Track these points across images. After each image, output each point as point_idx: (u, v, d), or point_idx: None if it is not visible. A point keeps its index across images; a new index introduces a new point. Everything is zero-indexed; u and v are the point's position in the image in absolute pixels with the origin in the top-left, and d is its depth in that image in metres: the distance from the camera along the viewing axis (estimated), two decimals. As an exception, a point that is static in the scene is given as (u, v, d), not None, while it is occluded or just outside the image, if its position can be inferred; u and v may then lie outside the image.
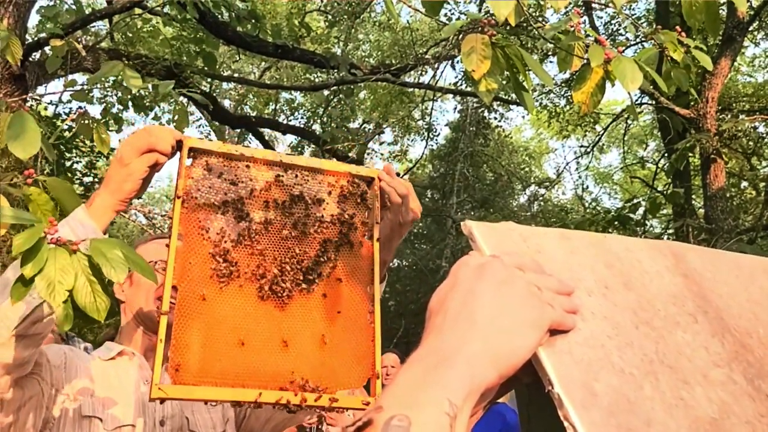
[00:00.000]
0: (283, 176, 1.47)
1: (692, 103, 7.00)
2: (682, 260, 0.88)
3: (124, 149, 1.35)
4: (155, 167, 1.37)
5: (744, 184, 9.81)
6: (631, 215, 6.54)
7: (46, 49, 6.07)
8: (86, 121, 1.66)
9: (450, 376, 0.57)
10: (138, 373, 1.63)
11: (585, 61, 1.44)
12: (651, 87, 6.88)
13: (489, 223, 0.77)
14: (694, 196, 9.37)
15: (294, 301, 1.40)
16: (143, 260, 1.06)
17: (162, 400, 1.27)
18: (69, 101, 8.95)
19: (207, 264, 1.35)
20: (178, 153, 1.40)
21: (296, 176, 1.49)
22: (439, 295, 0.67)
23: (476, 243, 0.74)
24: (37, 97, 7.05)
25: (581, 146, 14.63)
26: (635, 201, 6.77)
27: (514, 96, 11.54)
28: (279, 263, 1.41)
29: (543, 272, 0.70)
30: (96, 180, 9.02)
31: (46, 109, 8.71)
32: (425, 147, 13.42)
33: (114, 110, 7.69)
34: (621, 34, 10.44)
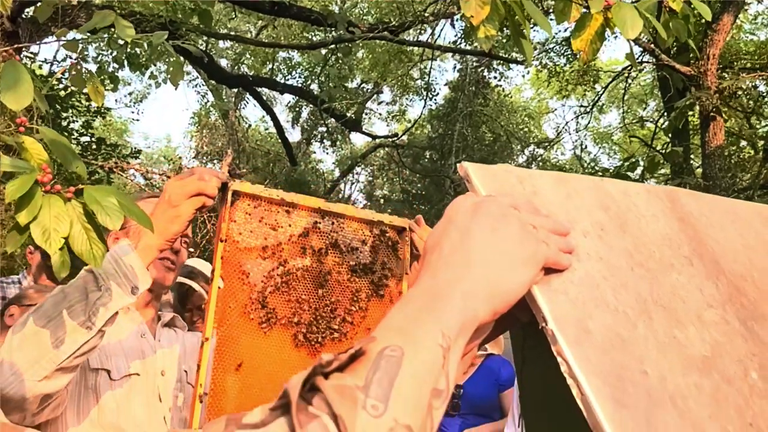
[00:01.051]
0: (320, 223, 1.50)
1: (693, 61, 6.93)
2: (678, 204, 0.88)
3: (173, 192, 1.37)
4: (201, 209, 1.40)
5: (743, 143, 9.77)
6: (630, 174, 6.53)
7: (39, 4, 5.95)
8: (80, 73, 1.64)
9: (444, 310, 0.57)
10: (134, 326, 1.64)
11: (585, 10, 1.42)
12: (651, 44, 6.80)
13: (485, 165, 0.76)
14: (692, 156, 9.33)
15: (326, 348, 1.44)
16: (138, 207, 1.06)
17: None
18: (63, 59, 8.84)
19: (246, 309, 1.39)
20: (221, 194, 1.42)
21: (332, 223, 1.52)
22: (434, 234, 0.67)
23: (472, 184, 0.73)
24: (31, 55, 6.96)
25: (581, 106, 14.53)
26: (633, 160, 6.76)
27: (513, 54, 11.43)
28: (313, 310, 1.44)
29: (539, 213, 0.70)
30: (93, 140, 8.95)
31: (40, 67, 8.61)
32: (424, 107, 13.35)
33: (109, 69, 7.61)
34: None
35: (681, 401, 0.65)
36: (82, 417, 1.48)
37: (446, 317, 0.57)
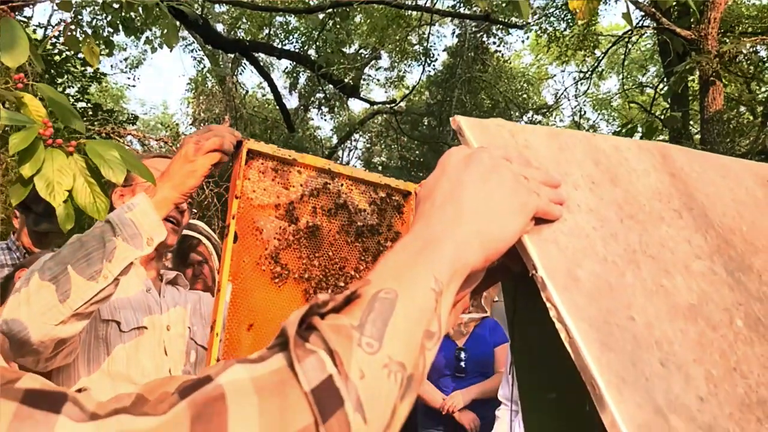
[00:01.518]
0: (330, 184, 1.55)
1: (693, 25, 6.86)
2: (669, 159, 0.89)
3: (190, 147, 1.40)
4: (217, 165, 1.43)
5: (742, 108, 9.72)
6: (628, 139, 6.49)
7: (32, -32, 5.86)
8: (74, 34, 1.63)
9: (437, 257, 0.59)
10: (140, 281, 1.67)
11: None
12: (652, 8, 6.74)
13: (478, 118, 0.78)
14: (691, 122, 9.30)
15: None
16: (140, 162, 1.07)
17: None
18: (57, 24, 8.74)
19: (259, 264, 1.43)
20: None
21: (342, 185, 1.56)
22: (427, 184, 0.68)
23: (464, 137, 0.74)
24: (25, 19, 6.88)
25: (580, 72, 14.42)
26: (631, 125, 6.72)
27: (513, 19, 11.31)
28: (323, 268, 1.49)
29: (530, 165, 0.72)
30: (89, 106, 8.91)
31: (34, 32, 8.53)
32: (422, 73, 13.21)
33: (104, 34, 7.53)
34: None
35: (666, 345, 0.67)
36: (93, 366, 1.52)
37: (439, 263, 0.58)
